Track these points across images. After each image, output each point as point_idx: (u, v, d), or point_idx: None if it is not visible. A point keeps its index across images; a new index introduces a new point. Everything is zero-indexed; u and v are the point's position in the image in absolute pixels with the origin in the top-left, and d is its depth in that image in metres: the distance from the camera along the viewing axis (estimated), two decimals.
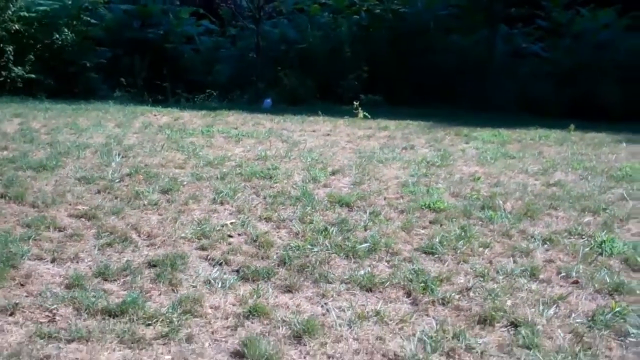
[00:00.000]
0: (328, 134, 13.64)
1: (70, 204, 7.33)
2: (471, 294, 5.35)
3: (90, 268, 5.58)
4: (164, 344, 4.35)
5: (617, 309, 5.07)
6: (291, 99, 20.71)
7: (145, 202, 7.48)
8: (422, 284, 5.43)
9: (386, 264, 6.00)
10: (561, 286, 5.62)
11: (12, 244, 5.92)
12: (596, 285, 5.61)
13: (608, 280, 5.69)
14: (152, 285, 5.29)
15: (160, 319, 4.65)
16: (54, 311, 4.76)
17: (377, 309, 4.99)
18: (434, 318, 4.92)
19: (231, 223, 6.94)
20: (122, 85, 21.37)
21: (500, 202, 8.03)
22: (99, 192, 7.91)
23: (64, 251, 5.91)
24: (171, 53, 23.38)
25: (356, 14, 23.86)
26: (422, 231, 6.96)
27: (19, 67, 19.88)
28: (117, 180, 8.42)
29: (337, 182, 8.99)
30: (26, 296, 5.00)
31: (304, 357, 4.29)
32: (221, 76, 23.22)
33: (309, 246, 6.27)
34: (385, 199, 8.14)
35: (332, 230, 6.74)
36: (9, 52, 19.79)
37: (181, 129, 13.40)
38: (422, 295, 5.27)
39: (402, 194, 8.38)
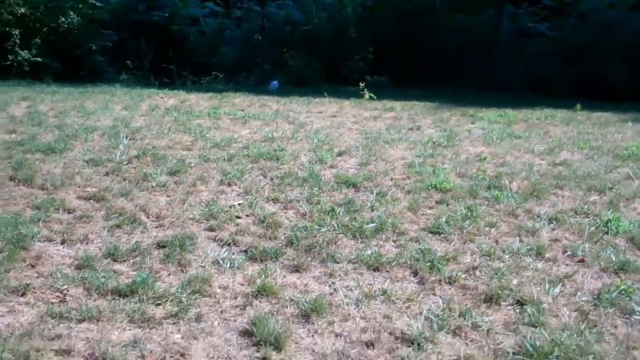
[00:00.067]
0: (334, 115, 13.66)
1: (79, 186, 7.39)
2: (477, 273, 5.38)
3: (100, 249, 5.63)
4: (173, 323, 4.40)
5: (622, 287, 5.10)
6: (297, 81, 20.70)
7: (154, 184, 7.53)
8: (429, 264, 5.47)
9: (393, 243, 6.03)
10: (567, 265, 5.65)
11: (22, 226, 5.97)
12: (602, 264, 5.64)
13: (614, 259, 5.72)
14: (161, 265, 5.34)
15: (170, 299, 4.70)
16: (65, 291, 4.81)
17: (384, 288, 5.03)
18: (440, 297, 4.96)
19: (239, 204, 6.98)
20: (129, 68, 21.38)
21: (507, 181, 8.06)
22: (107, 174, 7.96)
23: (73, 233, 5.96)
24: (177, 35, 23.36)
25: None
26: (429, 211, 6.99)
27: (25, 51, 19.90)
28: (125, 162, 8.47)
29: (343, 163, 9.02)
30: (37, 277, 5.04)
31: (312, 336, 4.33)
32: (227, 58, 23.19)
33: (316, 226, 6.30)
34: (391, 179, 8.18)
35: (339, 211, 6.78)
36: (15, 36, 19.81)
37: (188, 111, 13.44)
38: (428, 274, 5.31)
39: (408, 175, 8.41)
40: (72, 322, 4.36)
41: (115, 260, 5.40)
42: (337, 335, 4.34)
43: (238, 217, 6.61)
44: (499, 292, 4.95)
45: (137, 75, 20.95)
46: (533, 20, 22.81)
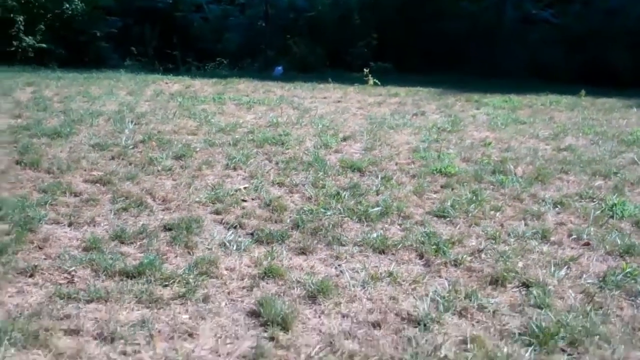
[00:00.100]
0: (339, 101, 13.68)
1: (85, 170, 7.41)
2: (483, 255, 5.40)
3: (107, 231, 5.65)
4: (181, 304, 4.42)
5: (628, 270, 5.11)
6: (301, 67, 20.72)
7: (159, 168, 7.55)
8: (434, 246, 5.49)
9: (398, 227, 6.05)
10: (572, 248, 5.67)
11: (29, 209, 5.99)
12: (607, 247, 5.65)
13: (619, 242, 5.73)
14: (168, 247, 5.36)
15: (177, 280, 4.72)
16: (73, 273, 4.83)
17: (390, 270, 5.04)
18: (446, 279, 4.97)
19: (244, 188, 7.01)
20: (133, 54, 21.41)
21: (511, 166, 8.08)
22: (113, 158, 7.99)
23: (80, 215, 5.98)
24: (180, 22, 23.38)
25: None
26: (434, 195, 7.01)
27: (30, 37, 19.93)
28: (131, 147, 8.50)
29: (348, 148, 9.04)
30: (45, 259, 5.07)
31: (319, 317, 4.35)
32: (231, 44, 23.22)
33: (321, 210, 6.32)
34: (396, 164, 8.20)
35: (345, 195, 6.80)
36: (19, 22, 19.83)
37: (192, 96, 13.46)
38: (434, 257, 5.32)
39: (413, 159, 8.43)
40: (80, 302, 4.37)
41: (123, 243, 5.42)
42: (343, 316, 4.36)
43: (244, 200, 6.63)
44: (505, 274, 4.96)
45: (142, 61, 21.00)
46: (537, 7, 22.80)
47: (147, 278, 4.72)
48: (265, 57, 21.84)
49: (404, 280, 4.89)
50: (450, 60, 20.41)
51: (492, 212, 6.44)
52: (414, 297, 4.64)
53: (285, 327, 4.12)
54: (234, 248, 5.38)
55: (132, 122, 10.08)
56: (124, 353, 3.78)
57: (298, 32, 22.78)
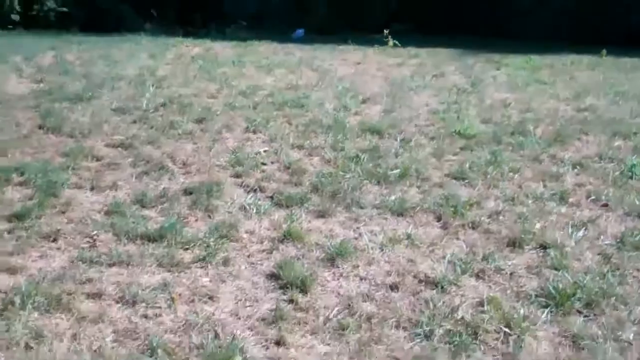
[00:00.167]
0: (358, 63, 13.65)
1: (106, 134, 7.47)
2: (501, 217, 5.42)
3: (128, 195, 5.72)
4: (201, 267, 4.49)
5: None
6: (320, 29, 20.58)
7: (180, 132, 7.60)
8: (452, 209, 5.51)
9: (417, 189, 6.08)
10: (590, 209, 5.68)
11: (51, 173, 6.06)
12: (626, 208, 5.66)
13: (637, 203, 5.74)
14: (188, 211, 5.42)
15: (198, 244, 4.78)
16: (95, 237, 4.90)
17: (408, 232, 5.08)
18: (464, 241, 5.01)
19: (264, 151, 7.05)
20: (153, 17, 21.33)
21: (531, 127, 8.07)
22: (134, 122, 8.04)
23: (102, 179, 6.05)
24: None
25: None
26: (453, 157, 7.02)
27: (51, 1, 19.89)
28: (152, 111, 8.54)
29: (368, 110, 9.04)
30: (67, 223, 5.14)
31: (338, 279, 4.40)
32: (251, 7, 23.08)
33: (340, 173, 6.36)
34: (416, 126, 8.20)
35: (364, 157, 6.82)
36: None
37: (213, 59, 13.47)
38: (452, 219, 5.35)
39: (432, 121, 8.43)
40: (102, 266, 4.44)
41: (144, 207, 5.49)
42: (361, 279, 4.41)
43: (264, 163, 6.67)
44: (522, 236, 4.99)
45: (162, 25, 20.91)
46: None
47: (168, 242, 4.78)
48: (286, 20, 21.72)
49: (421, 243, 4.93)
50: (470, 21, 20.22)
51: (510, 174, 6.45)
52: (431, 260, 4.68)
53: (304, 289, 4.18)
54: (254, 211, 5.43)
55: (152, 85, 10.11)
56: (145, 316, 3.86)
57: None
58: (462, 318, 3.88)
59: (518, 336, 3.72)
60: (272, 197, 5.78)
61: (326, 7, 21.71)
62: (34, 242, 4.75)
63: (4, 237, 4.83)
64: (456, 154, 7.13)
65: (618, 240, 5.03)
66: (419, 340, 3.68)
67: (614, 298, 4.13)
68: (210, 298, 4.09)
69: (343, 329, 3.75)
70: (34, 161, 6.46)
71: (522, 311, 3.95)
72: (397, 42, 15.95)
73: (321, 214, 5.45)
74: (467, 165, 6.61)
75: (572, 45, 16.39)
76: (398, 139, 7.52)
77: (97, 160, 6.64)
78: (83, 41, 15.96)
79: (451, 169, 6.59)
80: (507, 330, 3.77)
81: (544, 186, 6.17)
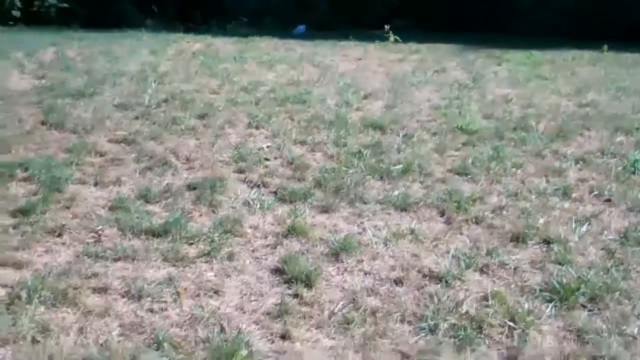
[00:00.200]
0: (359, 59, 13.64)
1: (109, 130, 7.48)
2: (504, 212, 5.43)
3: (132, 191, 5.73)
4: (206, 262, 4.50)
5: None
6: (321, 25, 20.57)
7: (183, 127, 7.61)
8: (456, 204, 5.53)
9: (420, 184, 6.09)
10: (593, 204, 5.69)
11: (55, 169, 6.08)
12: (629, 203, 5.67)
13: None
14: (192, 206, 5.43)
15: (202, 239, 4.80)
16: (100, 232, 4.91)
17: (412, 227, 5.10)
18: (467, 236, 5.02)
19: (267, 146, 7.05)
20: (154, 13, 21.31)
21: (533, 123, 8.07)
22: (137, 117, 8.05)
23: (105, 175, 6.06)
24: None
25: None
26: (455, 152, 7.03)
27: None
28: (154, 106, 8.55)
29: (369, 106, 9.05)
30: (72, 218, 5.15)
31: (342, 274, 4.42)
32: (251, 3, 23.06)
33: (343, 168, 6.37)
34: (417, 121, 8.21)
35: (366, 153, 6.83)
36: None
37: (214, 55, 13.47)
38: (455, 214, 5.36)
39: (434, 117, 8.44)
40: (107, 261, 4.46)
41: (148, 202, 5.50)
42: (366, 273, 4.42)
43: (267, 159, 6.68)
44: (526, 231, 5.00)
45: (163, 21, 20.89)
46: None
47: (172, 237, 4.80)
48: (286, 16, 21.71)
49: (425, 238, 4.94)
50: (471, 16, 20.20)
51: (513, 169, 6.46)
52: (435, 254, 4.70)
53: (309, 284, 4.19)
54: (258, 207, 5.45)
55: (154, 81, 10.12)
56: (151, 310, 3.87)
57: None
58: (467, 312, 3.90)
59: (522, 330, 3.73)
60: (275, 193, 5.79)
61: (327, 3, 21.69)
62: (39, 237, 4.77)
63: (9, 232, 4.85)
64: (458, 150, 7.14)
65: (621, 235, 5.04)
66: (423, 334, 3.70)
67: (618, 292, 4.14)
68: (216, 292, 4.10)
69: (348, 323, 3.77)
70: (37, 157, 6.47)
71: (526, 305, 3.97)
72: (398, 38, 15.93)
73: (325, 209, 5.46)
74: (470, 161, 6.62)
75: (572, 40, 16.38)
76: (400, 135, 7.53)
77: (101, 155, 6.66)
78: (84, 37, 15.96)
79: (454, 165, 6.60)
80: (511, 324, 3.79)
81: (547, 181, 6.18)
